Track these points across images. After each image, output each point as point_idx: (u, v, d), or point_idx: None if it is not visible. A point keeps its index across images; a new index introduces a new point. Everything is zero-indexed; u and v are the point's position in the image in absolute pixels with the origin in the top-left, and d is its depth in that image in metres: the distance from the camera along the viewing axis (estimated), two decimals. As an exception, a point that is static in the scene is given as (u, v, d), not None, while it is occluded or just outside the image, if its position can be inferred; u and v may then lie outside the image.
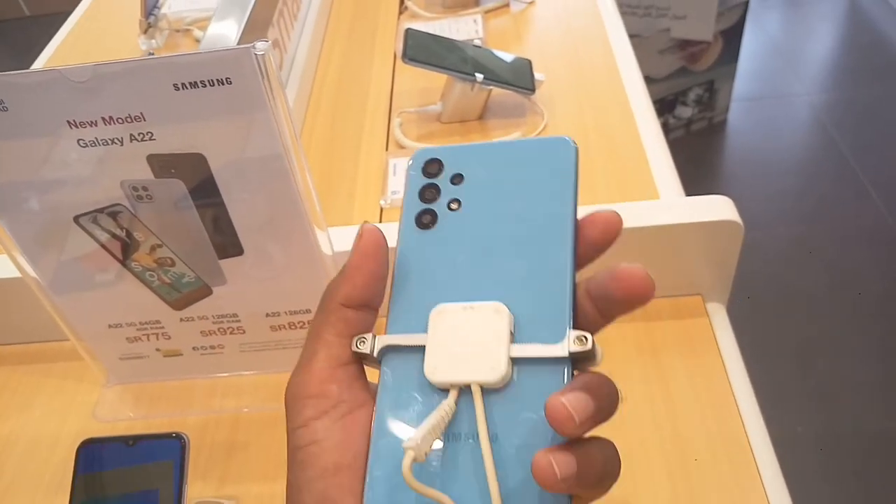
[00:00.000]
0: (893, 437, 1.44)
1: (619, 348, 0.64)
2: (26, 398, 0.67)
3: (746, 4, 2.03)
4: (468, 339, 0.30)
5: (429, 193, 0.35)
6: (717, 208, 0.62)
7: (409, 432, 0.30)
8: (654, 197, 0.73)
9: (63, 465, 0.61)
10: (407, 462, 0.28)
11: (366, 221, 0.34)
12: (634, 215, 0.62)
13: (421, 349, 0.31)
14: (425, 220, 0.34)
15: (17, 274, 0.57)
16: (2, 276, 0.65)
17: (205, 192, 0.51)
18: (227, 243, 0.54)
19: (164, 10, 1.11)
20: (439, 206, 0.34)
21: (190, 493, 0.55)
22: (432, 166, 0.36)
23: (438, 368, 0.30)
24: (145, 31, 1.05)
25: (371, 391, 0.33)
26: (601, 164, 0.78)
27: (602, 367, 0.65)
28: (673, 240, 0.63)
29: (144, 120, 0.46)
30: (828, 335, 1.64)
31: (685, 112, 2.23)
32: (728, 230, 0.62)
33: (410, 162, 0.36)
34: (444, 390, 0.30)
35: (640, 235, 0.62)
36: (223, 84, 0.45)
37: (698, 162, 2.15)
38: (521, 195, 0.34)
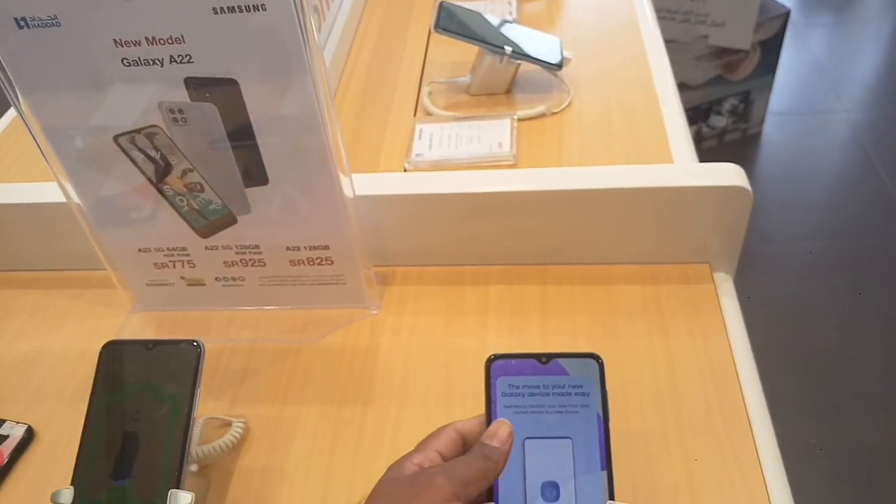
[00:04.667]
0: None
1: (624, 304, 0.66)
2: (57, 320, 0.71)
3: (787, 16, 2.03)
4: None
5: None
6: (727, 175, 0.64)
7: None
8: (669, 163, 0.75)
9: (85, 380, 0.64)
10: None
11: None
12: (646, 177, 0.64)
13: None
14: None
15: (59, 199, 0.61)
16: (43, 201, 0.68)
17: (236, 119, 0.54)
18: (254, 172, 0.57)
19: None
20: None
21: (202, 411, 0.58)
22: None
23: None
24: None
25: None
26: (620, 135, 0.80)
27: (606, 317, 0.67)
28: (681, 202, 0.65)
29: (184, 42, 0.50)
30: (844, 351, 1.63)
31: (719, 122, 2.23)
32: (737, 196, 0.64)
33: None
34: None
35: (650, 196, 0.64)
36: (258, 10, 0.48)
37: (730, 172, 2.15)
38: None
